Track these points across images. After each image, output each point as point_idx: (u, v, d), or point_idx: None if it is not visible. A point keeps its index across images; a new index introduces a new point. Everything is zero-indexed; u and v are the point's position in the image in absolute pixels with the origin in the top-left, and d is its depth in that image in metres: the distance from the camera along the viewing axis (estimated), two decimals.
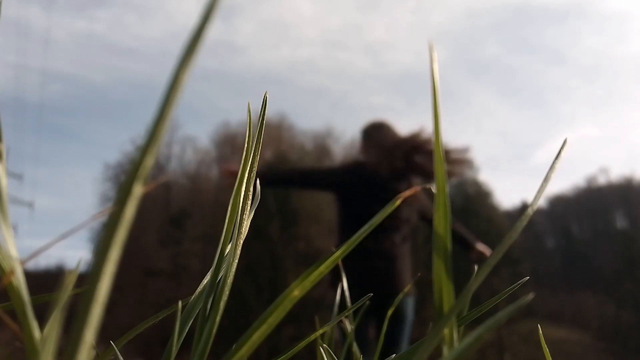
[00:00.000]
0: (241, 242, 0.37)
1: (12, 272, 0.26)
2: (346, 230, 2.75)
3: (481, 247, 2.83)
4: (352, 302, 0.59)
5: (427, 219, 2.86)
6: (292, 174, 3.04)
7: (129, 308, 20.34)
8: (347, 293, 0.71)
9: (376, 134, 2.83)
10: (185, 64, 0.18)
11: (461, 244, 2.85)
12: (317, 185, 2.93)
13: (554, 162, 0.31)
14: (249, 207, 0.39)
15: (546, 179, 0.30)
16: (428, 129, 2.77)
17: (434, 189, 0.29)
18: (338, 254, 0.32)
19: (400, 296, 0.62)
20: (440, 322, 0.25)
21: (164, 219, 24.40)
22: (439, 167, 0.28)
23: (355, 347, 0.58)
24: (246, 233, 0.38)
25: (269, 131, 23.41)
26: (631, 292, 27.75)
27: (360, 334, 2.44)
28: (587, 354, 26.27)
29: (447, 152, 2.70)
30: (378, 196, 2.63)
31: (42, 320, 0.25)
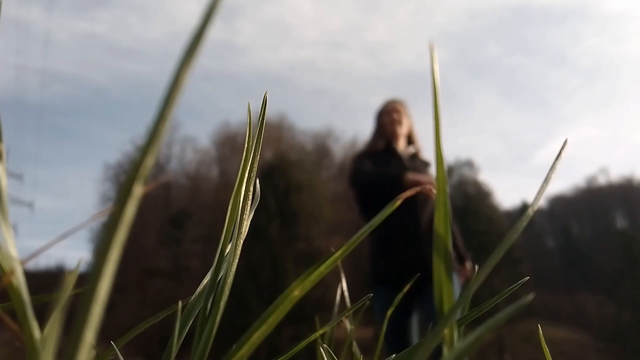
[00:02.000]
0: (241, 242, 0.37)
1: (12, 272, 0.26)
2: None
3: (469, 265, 2.72)
4: None
5: None
6: None
7: (129, 308, 20.33)
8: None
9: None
10: (186, 64, 0.18)
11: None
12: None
13: (554, 163, 0.31)
14: (249, 207, 0.39)
15: (546, 179, 0.30)
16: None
17: (434, 189, 0.29)
18: (339, 254, 0.32)
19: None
20: (441, 322, 0.25)
21: (164, 219, 24.39)
22: (440, 167, 0.28)
23: (355, 347, 0.57)
24: (246, 233, 0.38)
25: (269, 131, 23.39)
26: (631, 292, 27.73)
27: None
28: (587, 354, 26.26)
29: None
30: None
31: (42, 320, 0.25)
